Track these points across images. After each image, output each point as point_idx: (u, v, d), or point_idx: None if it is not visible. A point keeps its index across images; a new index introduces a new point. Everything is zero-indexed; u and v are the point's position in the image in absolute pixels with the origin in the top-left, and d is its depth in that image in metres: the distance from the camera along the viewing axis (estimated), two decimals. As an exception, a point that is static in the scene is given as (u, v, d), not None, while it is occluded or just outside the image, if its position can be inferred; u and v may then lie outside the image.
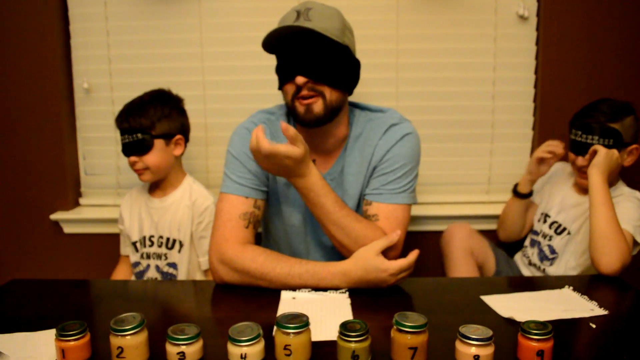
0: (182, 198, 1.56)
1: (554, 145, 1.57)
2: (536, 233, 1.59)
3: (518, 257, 1.69)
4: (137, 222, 1.60)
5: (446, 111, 1.83)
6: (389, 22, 1.79)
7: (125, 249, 1.67)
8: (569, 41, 1.75)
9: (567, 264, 1.47)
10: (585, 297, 1.06)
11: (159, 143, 1.50)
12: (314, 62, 1.15)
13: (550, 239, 1.52)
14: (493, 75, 1.81)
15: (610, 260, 1.21)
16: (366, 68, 1.78)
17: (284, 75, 1.19)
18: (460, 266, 1.52)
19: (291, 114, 1.23)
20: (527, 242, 1.65)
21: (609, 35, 1.74)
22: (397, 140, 1.25)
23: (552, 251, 1.51)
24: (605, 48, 1.75)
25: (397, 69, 1.81)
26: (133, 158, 1.50)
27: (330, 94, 1.18)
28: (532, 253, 1.58)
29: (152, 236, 1.57)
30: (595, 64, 1.76)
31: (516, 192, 1.66)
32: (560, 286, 1.12)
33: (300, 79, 1.15)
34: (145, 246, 1.58)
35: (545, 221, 1.57)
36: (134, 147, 1.48)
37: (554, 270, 1.49)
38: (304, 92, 1.16)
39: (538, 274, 1.54)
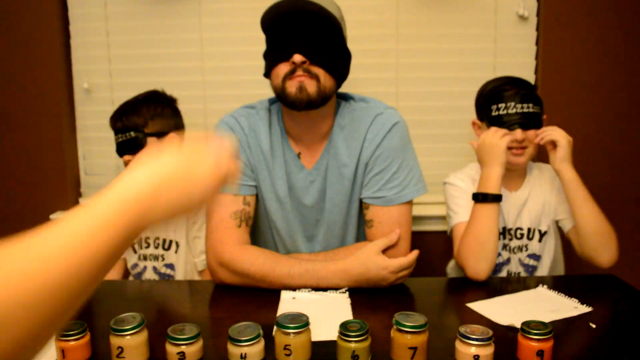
0: None
1: None
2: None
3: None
4: None
5: (446, 111, 1.83)
6: (389, 22, 1.79)
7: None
8: (569, 41, 1.75)
9: (545, 263, 1.38)
10: (562, 294, 1.08)
11: (152, 141, 1.50)
12: (314, 41, 1.10)
13: (527, 249, 1.37)
14: (493, 75, 1.79)
15: (612, 253, 1.21)
16: (366, 68, 1.79)
17: (278, 54, 1.12)
18: None
19: (280, 98, 1.15)
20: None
21: (609, 35, 1.74)
22: (386, 132, 1.19)
23: (535, 257, 1.38)
24: (605, 48, 1.75)
25: (397, 69, 1.81)
26: (127, 157, 1.50)
27: (325, 79, 1.12)
28: (512, 268, 1.39)
29: (148, 237, 1.57)
30: (595, 63, 1.76)
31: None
32: (533, 286, 1.14)
33: (298, 57, 1.08)
34: (142, 247, 1.58)
35: (508, 236, 1.38)
36: (127, 146, 1.49)
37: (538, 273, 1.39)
38: (299, 73, 1.10)
39: None
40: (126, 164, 1.53)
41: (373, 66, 1.80)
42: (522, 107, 1.28)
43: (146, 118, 1.50)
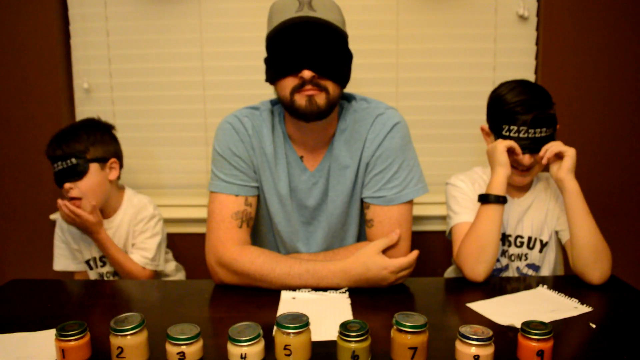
0: (125, 215, 1.57)
1: None
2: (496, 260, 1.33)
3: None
4: (84, 244, 1.59)
5: (446, 111, 1.83)
6: (389, 22, 1.79)
7: (64, 263, 1.64)
8: (569, 41, 1.75)
9: (543, 275, 1.37)
10: (562, 294, 1.08)
11: (94, 167, 1.48)
12: (322, 55, 1.09)
13: (526, 258, 1.36)
14: (493, 75, 1.81)
15: (604, 271, 1.16)
16: (366, 68, 1.79)
17: (285, 67, 1.11)
18: None
19: (288, 109, 1.15)
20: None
21: (609, 35, 1.74)
22: (387, 132, 1.20)
23: (535, 267, 1.36)
24: (605, 48, 1.75)
25: (397, 69, 1.81)
26: (67, 185, 1.46)
27: (333, 90, 1.13)
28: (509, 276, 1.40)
29: (103, 257, 1.57)
30: (595, 64, 1.76)
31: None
32: (533, 286, 1.14)
33: (307, 73, 1.08)
34: (98, 267, 1.59)
35: (507, 243, 1.38)
36: (68, 173, 1.46)
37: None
38: (308, 87, 1.10)
39: None
40: (66, 193, 1.48)
41: (373, 66, 1.80)
42: (535, 132, 1.24)
43: (87, 144, 1.48)
